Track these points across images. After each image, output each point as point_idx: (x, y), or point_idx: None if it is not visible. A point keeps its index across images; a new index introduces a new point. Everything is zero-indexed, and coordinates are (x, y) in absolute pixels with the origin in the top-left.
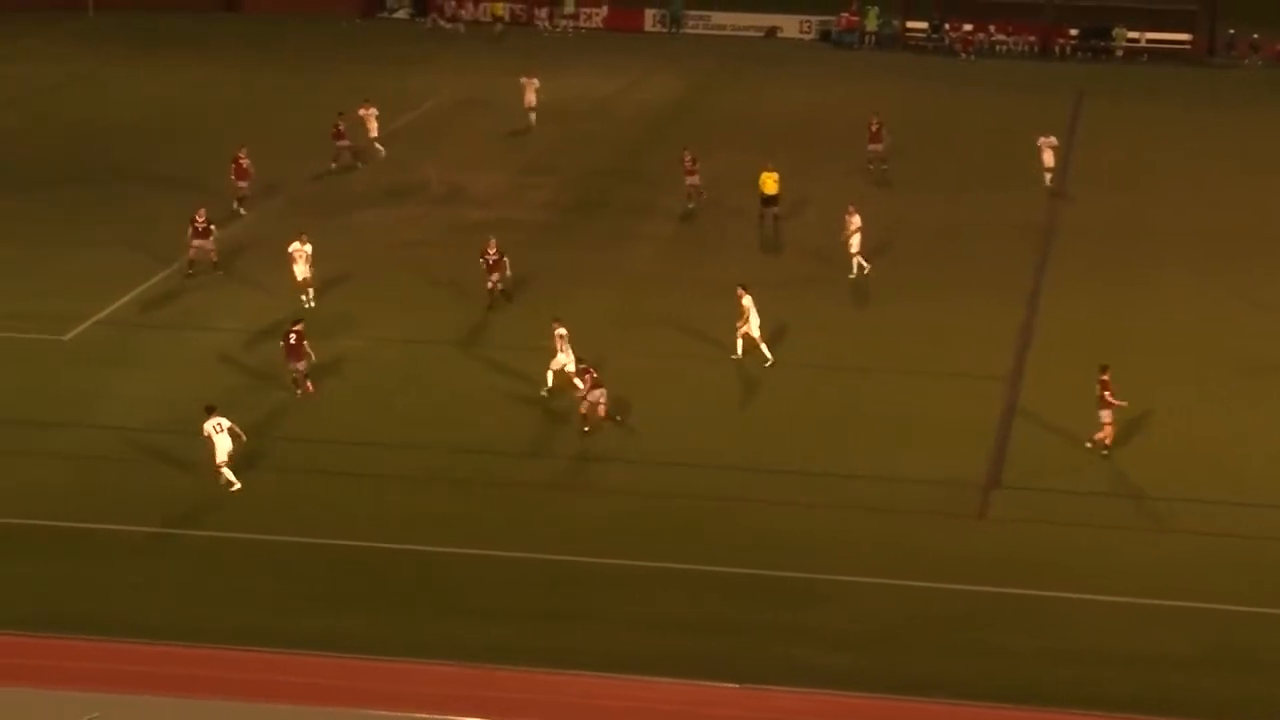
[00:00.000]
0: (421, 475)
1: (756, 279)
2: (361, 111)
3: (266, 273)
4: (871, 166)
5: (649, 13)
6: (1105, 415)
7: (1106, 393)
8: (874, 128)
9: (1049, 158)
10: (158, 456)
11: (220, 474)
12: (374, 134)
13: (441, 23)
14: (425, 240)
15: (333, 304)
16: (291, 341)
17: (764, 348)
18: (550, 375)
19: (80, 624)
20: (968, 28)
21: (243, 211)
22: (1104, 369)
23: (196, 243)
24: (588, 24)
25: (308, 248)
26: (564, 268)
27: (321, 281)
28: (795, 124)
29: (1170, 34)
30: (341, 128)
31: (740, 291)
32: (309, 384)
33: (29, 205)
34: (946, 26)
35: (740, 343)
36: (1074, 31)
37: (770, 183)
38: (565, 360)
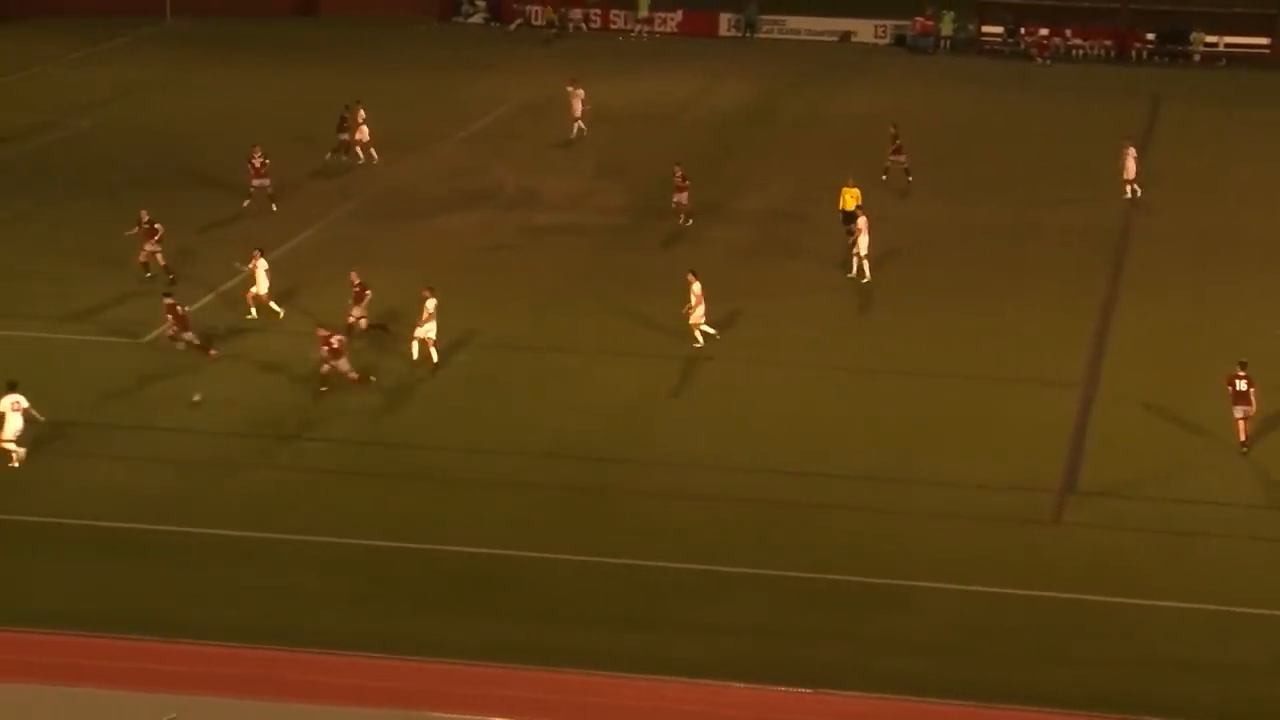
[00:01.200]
0: (494, 479)
1: (823, 283)
2: (355, 114)
3: (340, 277)
4: (885, 177)
5: (723, 17)
6: (1239, 411)
7: (1241, 388)
8: (894, 138)
9: (1131, 167)
10: (233, 459)
11: (7, 451)
12: (365, 138)
13: (528, 24)
14: (498, 244)
15: (407, 308)
16: (334, 345)
17: (698, 332)
18: (415, 345)
19: (159, 625)
20: (1043, 32)
21: (274, 208)
22: (1242, 365)
23: (257, 182)
24: (662, 28)
25: (263, 263)
26: (634, 271)
27: (396, 286)
28: (869, 130)
29: (1249, 38)
30: (346, 120)
31: (690, 278)
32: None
33: (107, 208)
34: (1022, 31)
35: (699, 332)
36: (1150, 36)
37: (850, 199)
38: (429, 331)
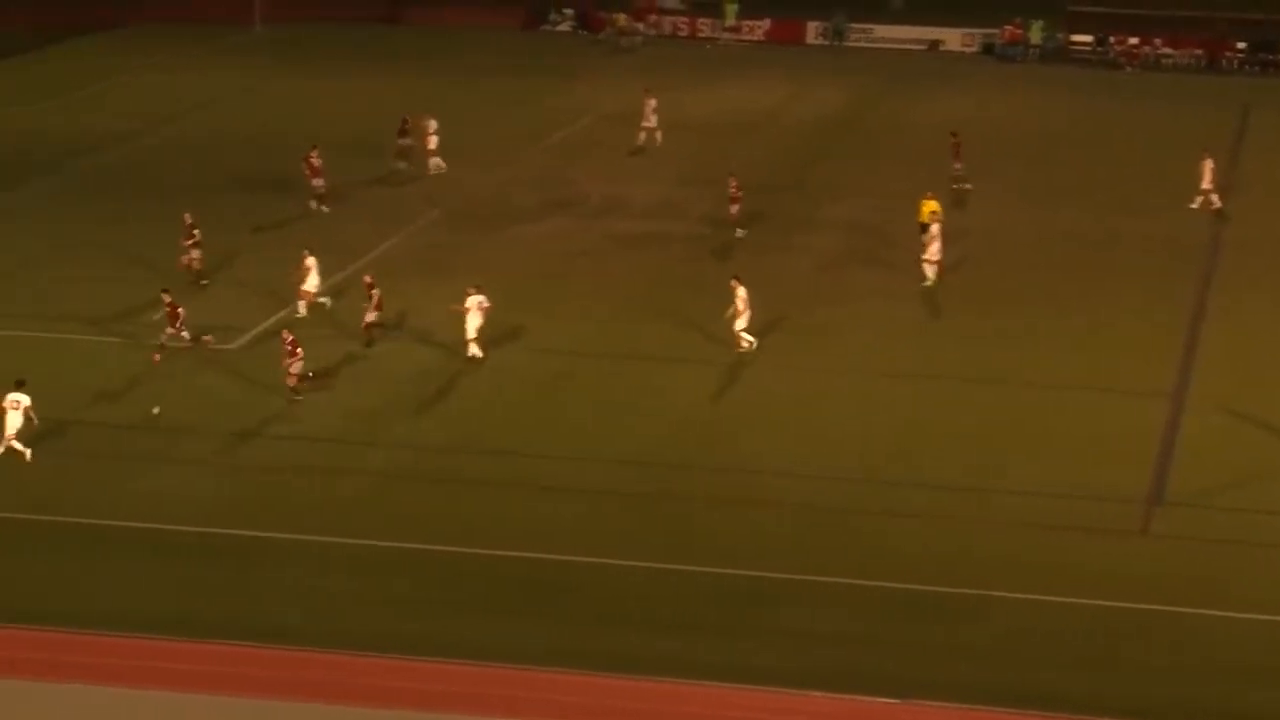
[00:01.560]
0: (567, 485)
1: (904, 292)
2: (422, 123)
3: (426, 286)
4: (955, 186)
5: (811, 25)
6: None
7: None
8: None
9: (1208, 177)
10: (297, 463)
11: (8, 446)
12: (432, 147)
13: (620, 36)
14: (580, 252)
15: (496, 315)
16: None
17: (742, 339)
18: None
19: (218, 629)
20: (1133, 41)
21: (324, 209)
22: None
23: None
24: (749, 36)
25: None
26: (714, 280)
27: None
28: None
29: None
30: (407, 125)
31: (734, 284)
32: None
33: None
34: (1111, 39)
35: (741, 338)
36: (1241, 45)
37: (926, 211)
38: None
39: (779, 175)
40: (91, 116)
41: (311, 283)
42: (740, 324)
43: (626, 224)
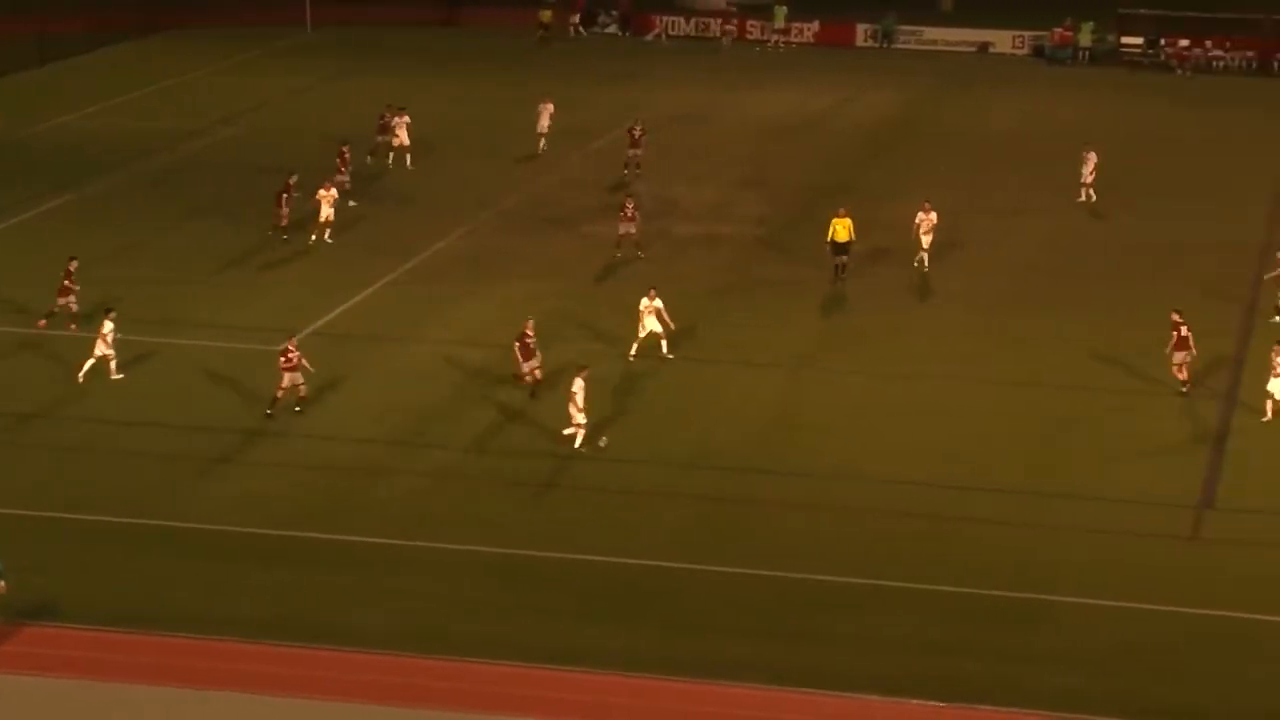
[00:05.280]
0: (634, 489)
1: (960, 295)
2: (394, 119)
3: (477, 285)
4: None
5: (860, 28)
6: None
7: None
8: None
9: None
10: (375, 466)
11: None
12: (405, 142)
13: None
14: (636, 254)
15: (549, 319)
16: (526, 342)
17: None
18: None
19: (299, 631)
20: (1184, 43)
21: (351, 204)
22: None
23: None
24: (798, 39)
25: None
26: (773, 282)
27: (535, 295)
28: (1007, 141)
29: None
30: (387, 119)
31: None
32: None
33: (247, 218)
34: (1162, 42)
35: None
36: None
37: (843, 230)
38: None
39: (830, 177)
40: (149, 119)
41: (325, 213)
42: (653, 326)
43: (682, 226)
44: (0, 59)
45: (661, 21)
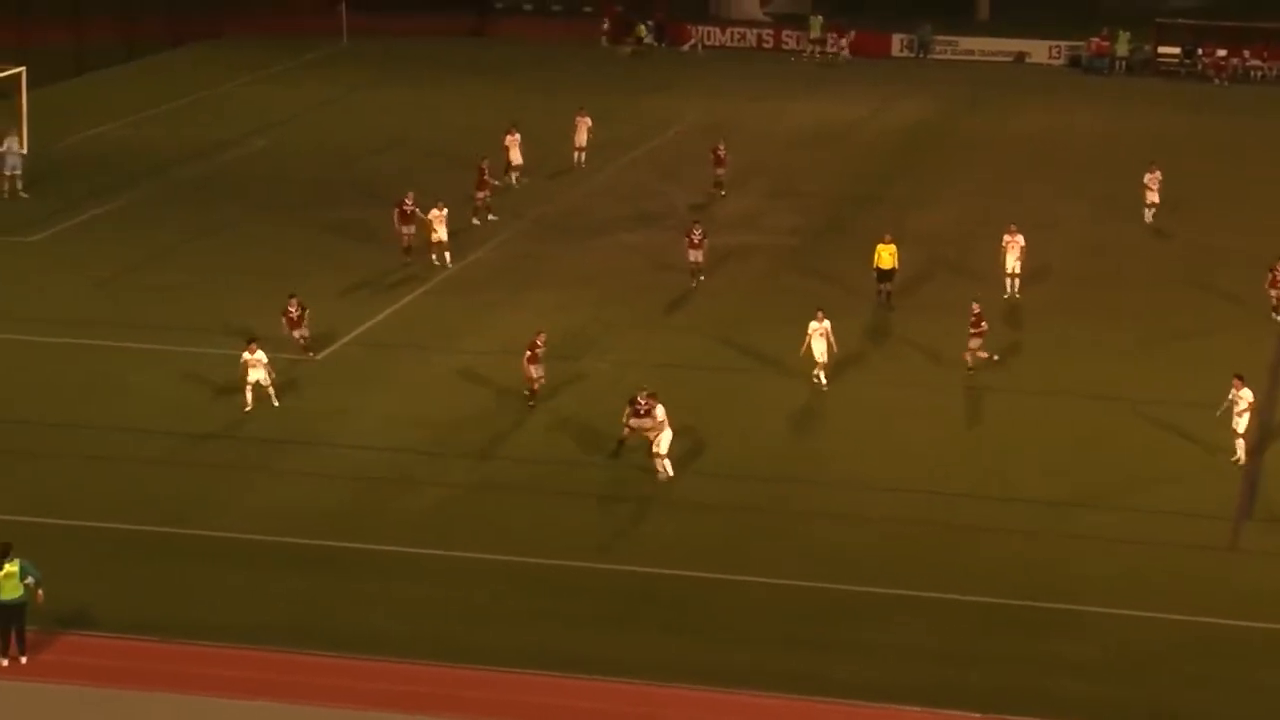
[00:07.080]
0: (664, 498)
1: (990, 305)
2: (506, 139)
3: (513, 294)
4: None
5: (896, 38)
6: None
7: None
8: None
9: None
10: (409, 475)
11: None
12: (517, 161)
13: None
14: (669, 265)
15: (577, 327)
16: (535, 352)
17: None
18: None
19: (330, 639)
20: (1221, 53)
21: (492, 217)
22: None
23: (406, 229)
24: (834, 49)
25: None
26: (806, 291)
27: (567, 305)
28: (1043, 151)
29: None
30: (484, 171)
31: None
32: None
33: (282, 228)
34: (1200, 52)
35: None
36: None
37: (888, 256)
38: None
39: (864, 187)
40: (187, 128)
41: (439, 234)
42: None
43: (715, 236)
44: (38, 70)
45: (697, 31)
